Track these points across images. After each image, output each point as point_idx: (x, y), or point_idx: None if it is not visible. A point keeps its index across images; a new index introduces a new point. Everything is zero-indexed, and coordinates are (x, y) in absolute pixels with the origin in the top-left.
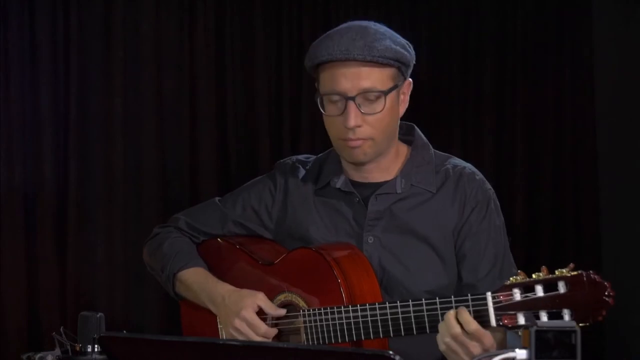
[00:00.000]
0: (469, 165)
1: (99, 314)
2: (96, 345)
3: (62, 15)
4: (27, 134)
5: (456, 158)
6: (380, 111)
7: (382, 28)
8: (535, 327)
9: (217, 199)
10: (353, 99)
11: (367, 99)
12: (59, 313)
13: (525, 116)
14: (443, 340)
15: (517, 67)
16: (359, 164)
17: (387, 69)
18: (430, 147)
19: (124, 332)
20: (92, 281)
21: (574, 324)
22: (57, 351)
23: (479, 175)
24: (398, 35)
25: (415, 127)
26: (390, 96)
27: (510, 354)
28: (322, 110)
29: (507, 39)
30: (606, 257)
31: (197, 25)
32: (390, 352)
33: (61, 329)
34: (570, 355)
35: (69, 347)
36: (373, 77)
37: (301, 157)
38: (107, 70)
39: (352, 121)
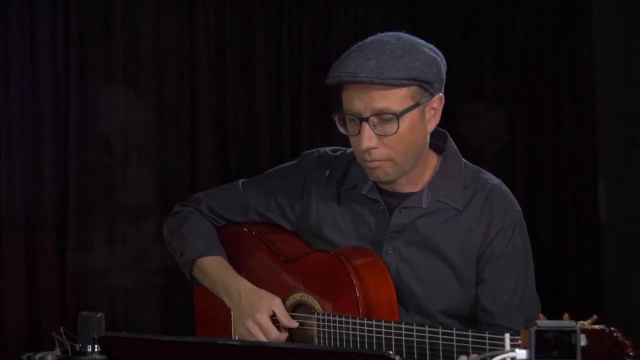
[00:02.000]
0: (498, 182)
1: (99, 314)
2: (96, 345)
3: (62, 15)
4: (27, 134)
5: (487, 172)
6: (394, 133)
7: (407, 42)
8: (535, 327)
9: (241, 182)
10: (367, 120)
11: (382, 120)
12: (59, 313)
13: (525, 116)
14: None
15: (517, 67)
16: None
17: (404, 88)
18: (461, 157)
19: (124, 332)
20: (92, 281)
21: (574, 323)
22: (57, 351)
23: (509, 195)
24: (426, 49)
25: (448, 134)
26: (409, 116)
27: (510, 354)
28: (340, 129)
29: (507, 39)
30: (607, 257)
31: (197, 25)
32: (391, 353)
33: (61, 329)
34: (570, 355)
35: (69, 347)
36: (387, 98)
37: (329, 150)
38: (107, 70)
39: (365, 143)
